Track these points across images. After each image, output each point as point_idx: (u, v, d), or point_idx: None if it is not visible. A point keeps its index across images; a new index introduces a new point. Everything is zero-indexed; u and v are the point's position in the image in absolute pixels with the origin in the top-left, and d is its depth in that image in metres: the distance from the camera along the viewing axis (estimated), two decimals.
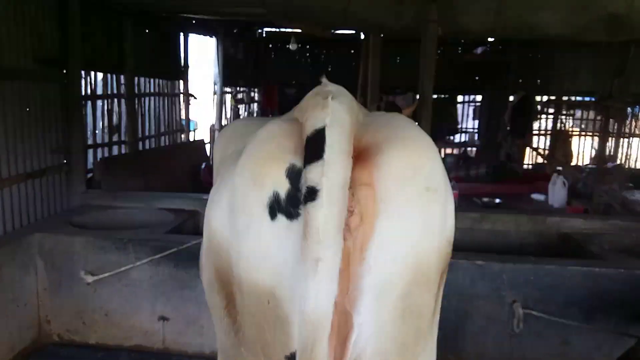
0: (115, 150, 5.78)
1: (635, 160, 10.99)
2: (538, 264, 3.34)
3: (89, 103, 5.41)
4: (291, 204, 1.08)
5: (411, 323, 1.18)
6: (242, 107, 9.94)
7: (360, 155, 1.09)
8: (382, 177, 1.08)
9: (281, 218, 1.09)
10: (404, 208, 1.10)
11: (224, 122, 8.71)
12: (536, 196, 6.84)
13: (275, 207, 1.09)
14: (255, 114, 10.48)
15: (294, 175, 1.07)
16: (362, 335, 1.14)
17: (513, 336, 3.34)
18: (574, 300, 3.28)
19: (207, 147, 7.79)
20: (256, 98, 10.94)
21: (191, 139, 7.89)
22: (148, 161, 5.72)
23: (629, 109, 9.27)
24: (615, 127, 10.62)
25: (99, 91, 5.62)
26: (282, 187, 1.08)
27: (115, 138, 5.83)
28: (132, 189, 4.98)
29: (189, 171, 6.45)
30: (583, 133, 10.76)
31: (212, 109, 8.77)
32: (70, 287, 3.67)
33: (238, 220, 1.15)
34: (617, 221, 4.12)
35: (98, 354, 3.66)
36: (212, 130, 8.59)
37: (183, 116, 7.63)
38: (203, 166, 6.70)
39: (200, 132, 9.92)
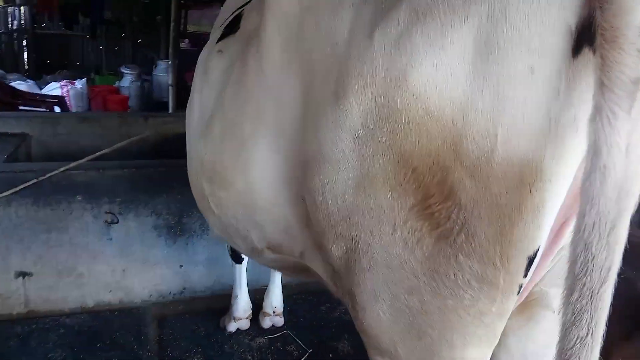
0: None
1: None
2: None
3: None
4: None
5: None
6: (11, 10, 7.78)
7: None
8: None
9: (586, 53, 0.73)
10: None
11: None
12: None
13: (585, 35, 0.72)
14: (23, 20, 8.30)
15: None
16: None
17: None
18: None
19: None
20: None
21: None
22: None
23: None
24: None
25: None
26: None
27: None
28: None
29: None
30: None
31: None
32: None
33: (501, 64, 0.75)
34: None
35: None
36: None
37: None
38: None
39: None
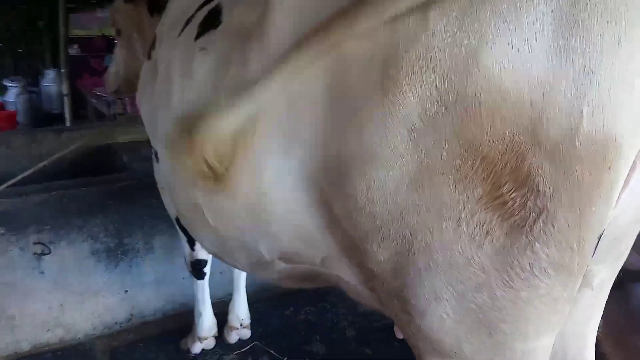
0: None
1: None
2: None
3: None
4: None
5: None
6: None
7: None
8: None
9: None
10: None
11: None
12: None
13: None
14: None
15: None
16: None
17: None
18: None
19: None
20: None
21: None
22: None
23: None
24: None
25: None
26: None
27: None
28: None
29: None
30: None
31: None
32: None
33: (586, 37, 0.72)
34: None
35: None
36: None
37: None
38: None
39: None
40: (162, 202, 2.77)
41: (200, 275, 2.44)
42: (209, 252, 1.57)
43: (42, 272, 2.53)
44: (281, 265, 1.32)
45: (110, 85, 3.04)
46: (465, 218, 0.83)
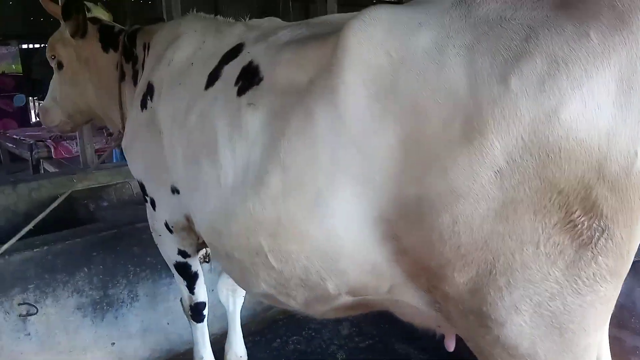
0: None
1: None
2: None
3: None
4: None
5: None
6: None
7: None
8: None
9: None
10: None
11: None
12: None
13: None
14: None
15: None
16: None
17: None
18: None
19: None
20: None
21: None
22: None
23: None
24: None
25: None
26: None
27: None
28: None
29: None
30: None
31: None
32: None
33: None
34: None
35: None
36: None
37: None
38: None
39: None
40: (145, 250, 2.80)
41: (200, 318, 2.47)
42: (259, 293, 1.66)
43: (28, 334, 2.43)
44: (346, 299, 1.44)
45: (50, 119, 2.75)
46: (542, 241, 1.03)
